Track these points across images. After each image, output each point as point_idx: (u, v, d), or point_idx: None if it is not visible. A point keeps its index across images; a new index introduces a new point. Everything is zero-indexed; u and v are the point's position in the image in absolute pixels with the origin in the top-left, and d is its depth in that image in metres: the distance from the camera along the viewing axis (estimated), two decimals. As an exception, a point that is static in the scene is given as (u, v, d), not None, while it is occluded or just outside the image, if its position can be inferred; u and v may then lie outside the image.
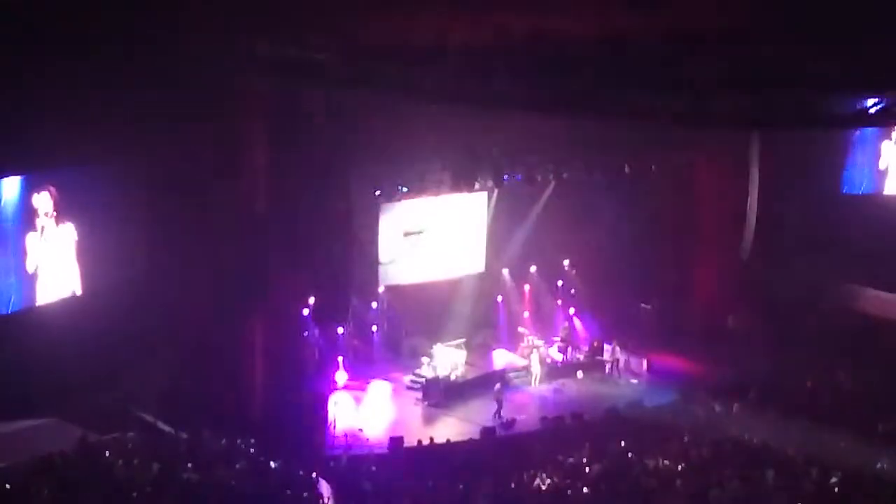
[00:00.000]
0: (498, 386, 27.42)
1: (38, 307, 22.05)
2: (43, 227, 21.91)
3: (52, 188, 21.91)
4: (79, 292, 22.86)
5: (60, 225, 22.24)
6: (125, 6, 19.69)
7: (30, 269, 21.73)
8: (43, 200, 21.81)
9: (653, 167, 31.34)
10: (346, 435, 24.87)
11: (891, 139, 32.45)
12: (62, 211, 22.17)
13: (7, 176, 20.86)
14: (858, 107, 22.18)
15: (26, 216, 21.53)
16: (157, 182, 23.33)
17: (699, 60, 19.64)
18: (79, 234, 22.64)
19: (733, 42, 19.30)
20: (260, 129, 24.31)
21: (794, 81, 19.89)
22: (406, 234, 30.06)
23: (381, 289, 30.11)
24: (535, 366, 29.56)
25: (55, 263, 22.26)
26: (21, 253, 21.52)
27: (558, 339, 31.31)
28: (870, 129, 31.64)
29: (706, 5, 18.65)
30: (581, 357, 30.83)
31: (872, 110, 21.11)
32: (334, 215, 26.51)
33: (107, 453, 19.42)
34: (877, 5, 18.35)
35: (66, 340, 21.55)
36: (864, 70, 19.73)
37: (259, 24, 21.09)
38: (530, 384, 29.37)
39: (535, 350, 30.05)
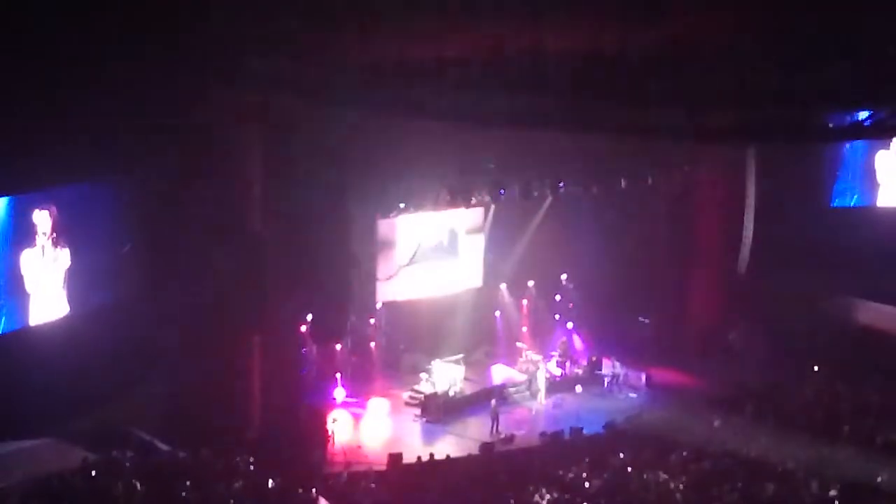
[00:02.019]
0: (493, 402, 27.39)
1: (33, 327, 21.93)
2: (41, 246, 21.82)
3: (52, 207, 21.84)
4: (76, 311, 22.77)
5: (58, 244, 22.17)
6: (119, 23, 19.76)
7: (28, 288, 21.66)
8: (43, 219, 21.73)
9: (649, 181, 31.36)
10: (344, 452, 24.85)
11: (888, 149, 32.41)
12: (60, 230, 22.11)
13: (3, 195, 20.82)
14: (853, 119, 22.26)
15: (24, 234, 21.44)
16: (153, 200, 23.32)
17: (694, 75, 19.72)
18: (76, 253, 22.56)
19: (728, 57, 19.39)
20: (257, 147, 24.33)
21: (789, 95, 19.96)
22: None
23: (378, 305, 30.07)
24: (542, 381, 29.52)
25: (51, 283, 22.18)
26: (16, 272, 21.43)
27: (556, 353, 31.31)
28: (861, 141, 31.62)
29: (701, 20, 18.75)
30: (580, 372, 30.81)
31: (867, 123, 21.17)
32: (331, 232, 26.54)
33: (105, 474, 19.38)
34: (869, 20, 18.45)
35: (63, 360, 21.46)
36: (858, 83, 19.81)
37: (254, 40, 21.15)
38: (535, 399, 29.30)
39: (540, 365, 30.06)
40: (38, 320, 21.94)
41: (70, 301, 22.56)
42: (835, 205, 32.93)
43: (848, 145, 32.12)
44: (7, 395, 20.12)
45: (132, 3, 19.88)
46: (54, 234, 21.89)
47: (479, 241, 31.80)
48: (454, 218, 30.88)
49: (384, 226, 29.32)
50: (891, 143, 32.09)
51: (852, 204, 32.91)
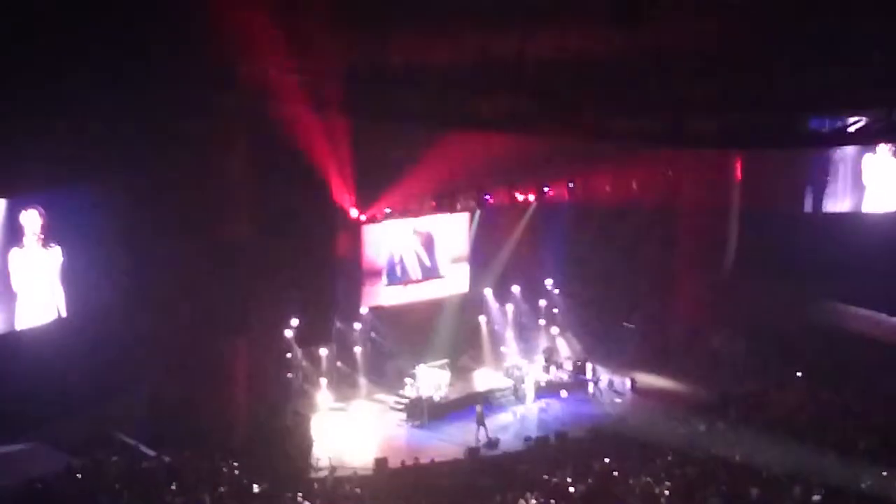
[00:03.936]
0: (479, 408, 27.37)
1: (20, 331, 21.86)
2: (28, 247, 21.80)
3: (39, 208, 21.85)
4: (63, 314, 22.74)
5: (47, 246, 22.15)
6: (106, 29, 19.76)
7: (14, 288, 21.63)
8: (31, 219, 21.73)
9: (634, 186, 31.44)
10: (329, 456, 24.80)
11: (874, 154, 32.47)
12: (49, 232, 22.10)
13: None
14: (837, 125, 22.35)
15: (12, 235, 21.43)
16: (140, 205, 23.29)
17: (680, 81, 19.79)
18: (65, 257, 22.55)
19: (714, 63, 19.47)
20: (242, 152, 24.31)
21: (773, 101, 20.05)
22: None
23: (364, 310, 30.06)
24: (530, 385, 29.55)
25: (38, 286, 22.14)
26: (4, 273, 21.40)
27: (542, 358, 31.34)
28: (850, 147, 31.69)
29: (687, 27, 18.81)
30: (564, 376, 30.85)
31: (851, 129, 21.26)
32: (317, 237, 26.56)
33: (89, 477, 19.32)
34: (852, 26, 18.55)
35: (48, 364, 21.42)
36: (842, 89, 19.92)
37: (239, 46, 21.17)
38: (522, 404, 29.34)
39: (529, 370, 30.09)
40: (25, 324, 21.90)
41: (60, 304, 22.59)
42: (826, 210, 32.98)
43: (838, 150, 32.20)
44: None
45: (118, 10, 19.90)
46: (42, 236, 21.91)
47: (465, 246, 31.77)
48: (440, 223, 30.85)
49: (370, 231, 29.29)
50: (877, 149, 32.16)
51: (844, 209, 32.96)
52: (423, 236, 30.72)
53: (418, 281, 30.83)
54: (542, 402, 29.46)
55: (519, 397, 29.59)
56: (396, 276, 30.30)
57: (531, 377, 29.82)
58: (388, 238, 29.91)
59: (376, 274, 29.88)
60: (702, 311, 32.55)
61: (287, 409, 26.35)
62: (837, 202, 32.89)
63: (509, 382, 30.07)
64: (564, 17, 19.19)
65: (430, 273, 31.04)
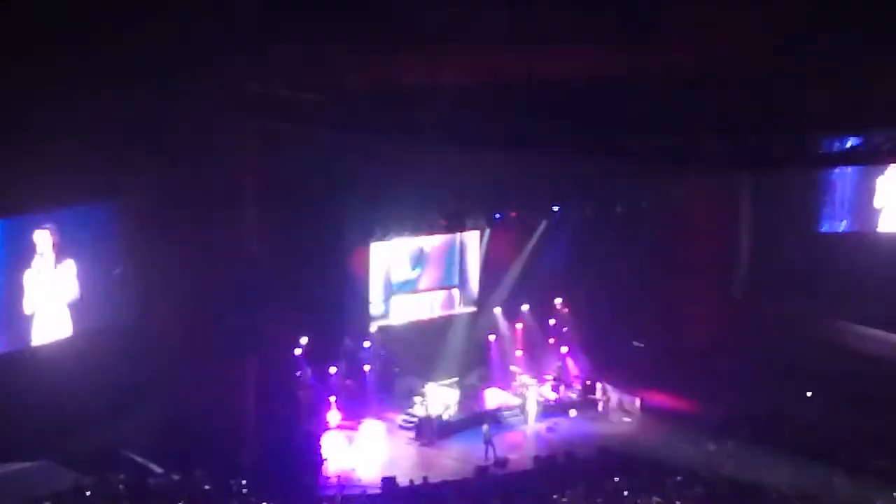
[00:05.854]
0: (485, 427, 27.30)
1: (33, 348, 21.93)
2: (41, 267, 21.87)
3: (51, 226, 21.92)
4: (75, 332, 22.77)
5: (59, 265, 22.21)
6: (118, 48, 19.86)
7: (27, 309, 21.69)
8: (43, 238, 21.81)
9: (644, 205, 31.42)
10: (338, 475, 24.76)
11: (884, 175, 32.34)
12: (61, 251, 22.16)
13: (4, 217, 20.91)
14: (847, 145, 22.34)
15: (24, 255, 21.50)
16: (150, 223, 23.33)
17: (690, 101, 19.82)
18: (77, 275, 22.61)
19: (723, 83, 19.51)
20: (254, 170, 24.37)
21: (783, 122, 20.06)
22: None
23: (373, 328, 30.05)
24: (532, 404, 29.49)
25: (52, 304, 22.20)
26: (16, 292, 21.45)
27: (551, 377, 31.27)
28: (851, 166, 31.57)
29: (697, 48, 18.86)
30: (574, 395, 30.78)
31: (861, 149, 21.26)
32: (327, 255, 26.57)
33: (97, 496, 19.31)
34: (863, 45, 18.58)
35: (58, 382, 21.43)
36: (851, 109, 19.92)
37: (251, 64, 21.25)
38: (526, 422, 29.28)
39: (531, 388, 30.02)
40: (40, 340, 21.97)
41: (72, 322, 22.62)
42: (823, 230, 32.84)
43: (836, 171, 32.09)
44: (4, 416, 20.09)
45: (130, 28, 20.01)
46: (55, 253, 21.99)
47: (474, 264, 31.80)
48: (449, 241, 30.90)
49: (379, 249, 29.33)
50: (887, 169, 31.98)
51: (840, 230, 32.82)
52: (433, 255, 30.81)
53: (427, 299, 30.86)
54: (551, 422, 29.42)
55: (527, 416, 29.54)
56: (406, 293, 30.34)
57: (533, 394, 29.73)
58: (397, 256, 29.97)
59: (385, 292, 29.92)
60: (712, 329, 32.44)
61: (296, 428, 26.29)
62: (840, 222, 32.73)
63: (518, 401, 30.01)
64: (575, 37, 19.26)
65: (440, 291, 31.08)
